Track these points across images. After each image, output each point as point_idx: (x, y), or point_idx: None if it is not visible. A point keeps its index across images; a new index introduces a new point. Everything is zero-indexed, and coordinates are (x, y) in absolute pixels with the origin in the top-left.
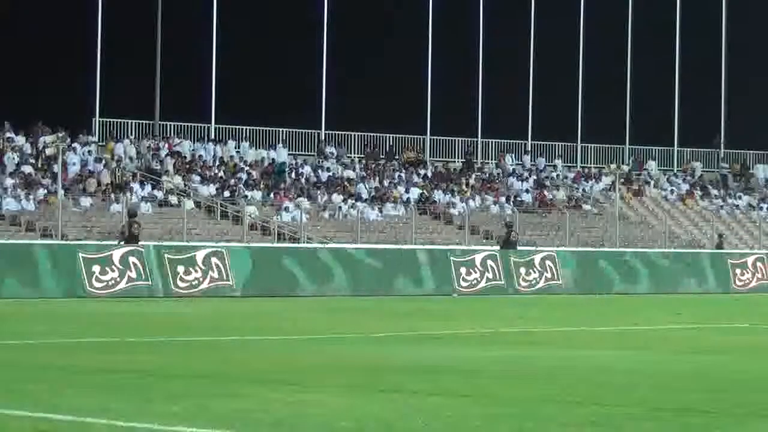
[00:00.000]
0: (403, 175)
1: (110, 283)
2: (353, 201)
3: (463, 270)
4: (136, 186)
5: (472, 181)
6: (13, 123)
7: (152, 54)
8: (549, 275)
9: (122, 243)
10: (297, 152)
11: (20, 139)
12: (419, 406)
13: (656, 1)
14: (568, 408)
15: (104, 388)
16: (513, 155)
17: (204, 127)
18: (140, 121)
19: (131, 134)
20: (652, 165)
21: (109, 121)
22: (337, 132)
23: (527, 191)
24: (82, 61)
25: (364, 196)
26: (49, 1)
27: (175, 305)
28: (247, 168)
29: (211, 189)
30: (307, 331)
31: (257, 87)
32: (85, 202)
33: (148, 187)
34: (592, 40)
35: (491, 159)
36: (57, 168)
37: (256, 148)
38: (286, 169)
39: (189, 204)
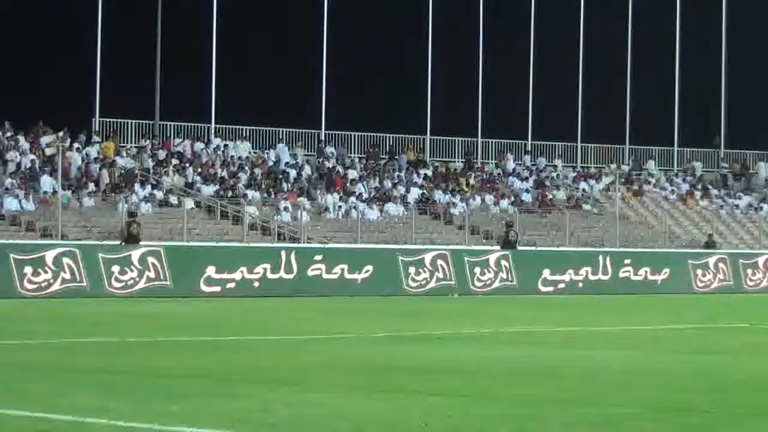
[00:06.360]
0: (403, 175)
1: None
2: (354, 201)
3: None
4: (136, 186)
5: (472, 181)
6: (14, 123)
7: (152, 54)
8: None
9: (123, 243)
10: (297, 152)
11: (20, 139)
12: (419, 406)
13: (656, 0)
14: (568, 408)
15: (104, 388)
16: (513, 155)
17: (204, 127)
18: (140, 121)
19: (131, 134)
20: (651, 165)
21: (109, 121)
22: (337, 132)
23: (527, 191)
24: (82, 61)
25: (365, 196)
26: (49, 1)
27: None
28: (246, 167)
29: (211, 189)
30: (307, 331)
31: (257, 87)
32: (86, 202)
33: (148, 187)
34: (592, 40)
35: (491, 159)
36: (57, 168)
37: (255, 146)
38: (283, 168)
39: (189, 204)
